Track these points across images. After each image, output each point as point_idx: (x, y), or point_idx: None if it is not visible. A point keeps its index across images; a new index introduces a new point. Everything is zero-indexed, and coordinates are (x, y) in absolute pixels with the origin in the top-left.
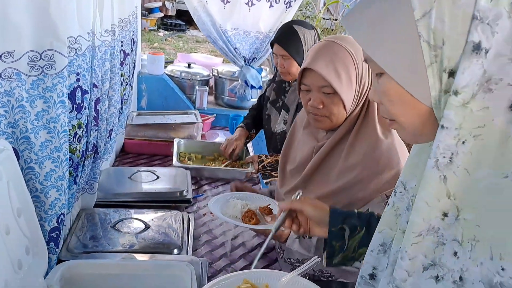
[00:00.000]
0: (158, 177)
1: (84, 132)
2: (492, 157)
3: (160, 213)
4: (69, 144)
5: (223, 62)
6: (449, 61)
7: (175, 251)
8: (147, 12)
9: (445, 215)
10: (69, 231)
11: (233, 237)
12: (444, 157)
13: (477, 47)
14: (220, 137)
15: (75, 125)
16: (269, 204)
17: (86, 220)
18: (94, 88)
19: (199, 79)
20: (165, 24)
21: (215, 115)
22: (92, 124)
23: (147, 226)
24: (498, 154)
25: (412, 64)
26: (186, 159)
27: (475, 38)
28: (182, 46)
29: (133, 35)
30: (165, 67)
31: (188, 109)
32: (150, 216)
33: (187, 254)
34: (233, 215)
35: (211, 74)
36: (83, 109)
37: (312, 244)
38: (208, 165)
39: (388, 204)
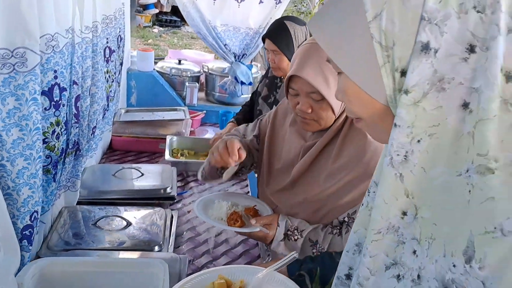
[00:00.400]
0: (142, 174)
1: (63, 130)
2: (446, 156)
3: (143, 210)
4: (47, 142)
5: (214, 58)
6: (400, 61)
7: (156, 248)
8: (142, 8)
9: (404, 213)
10: (50, 228)
11: (216, 234)
12: (398, 155)
13: (425, 47)
14: (210, 134)
15: (53, 123)
16: (255, 205)
17: (68, 218)
18: (74, 85)
19: (189, 75)
20: (160, 20)
21: (205, 111)
22: (73, 122)
23: (128, 224)
24: (452, 152)
25: (367, 64)
26: (179, 155)
27: (423, 38)
28: (176, 42)
29: (119, 32)
30: (156, 63)
31: (178, 105)
32: (132, 213)
33: (167, 251)
34: (219, 217)
35: (201, 71)
36: (61, 106)
37: (297, 246)
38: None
39: (363, 204)
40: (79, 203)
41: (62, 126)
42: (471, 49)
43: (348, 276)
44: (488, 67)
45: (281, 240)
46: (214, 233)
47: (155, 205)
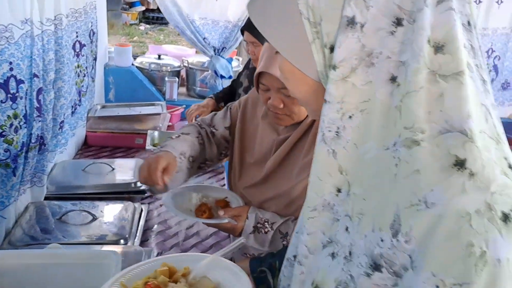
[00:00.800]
0: (113, 169)
1: (22, 123)
2: (376, 130)
3: (111, 205)
4: (4, 135)
5: (196, 53)
6: (328, 37)
7: (122, 241)
8: (128, 6)
9: (339, 190)
10: (14, 223)
11: (187, 227)
12: (329, 131)
13: (351, 22)
14: None
15: (11, 116)
16: (226, 197)
17: (34, 213)
18: (34, 78)
19: (169, 70)
20: (146, 17)
21: (184, 106)
22: (35, 115)
23: (94, 218)
24: (380, 127)
25: (298, 41)
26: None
27: (349, 13)
28: (163, 39)
29: (91, 26)
30: (135, 59)
31: (158, 101)
32: (100, 208)
33: (133, 244)
34: (188, 209)
35: (182, 65)
36: (18, 99)
37: (267, 238)
38: None
39: None
40: (47, 198)
41: (21, 119)
42: (398, 22)
43: (296, 257)
44: (414, 39)
45: (250, 233)
46: (185, 226)
47: (126, 199)
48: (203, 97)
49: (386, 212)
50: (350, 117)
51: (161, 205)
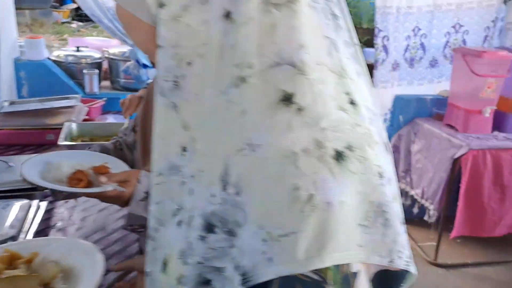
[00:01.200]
0: (10, 166)
1: None
2: (214, 75)
3: (2, 204)
4: None
5: (121, 44)
6: None
7: (8, 242)
8: (59, 3)
9: (184, 149)
10: None
11: (94, 220)
12: (166, 80)
13: None
14: (110, 121)
15: None
16: (106, 163)
17: None
18: None
19: (89, 62)
20: (79, 15)
21: (105, 99)
22: None
23: None
24: (217, 69)
25: None
26: (80, 142)
27: None
28: (96, 36)
29: None
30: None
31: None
32: None
33: None
34: (58, 179)
35: (103, 57)
36: None
37: None
38: None
39: None
40: None
41: None
42: None
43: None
44: None
45: (141, 200)
46: (91, 221)
47: (25, 197)
48: (128, 89)
49: (216, 164)
50: (188, 63)
51: (66, 201)
